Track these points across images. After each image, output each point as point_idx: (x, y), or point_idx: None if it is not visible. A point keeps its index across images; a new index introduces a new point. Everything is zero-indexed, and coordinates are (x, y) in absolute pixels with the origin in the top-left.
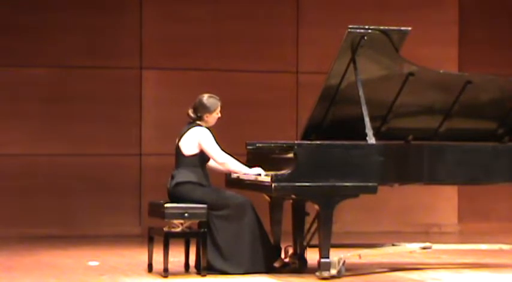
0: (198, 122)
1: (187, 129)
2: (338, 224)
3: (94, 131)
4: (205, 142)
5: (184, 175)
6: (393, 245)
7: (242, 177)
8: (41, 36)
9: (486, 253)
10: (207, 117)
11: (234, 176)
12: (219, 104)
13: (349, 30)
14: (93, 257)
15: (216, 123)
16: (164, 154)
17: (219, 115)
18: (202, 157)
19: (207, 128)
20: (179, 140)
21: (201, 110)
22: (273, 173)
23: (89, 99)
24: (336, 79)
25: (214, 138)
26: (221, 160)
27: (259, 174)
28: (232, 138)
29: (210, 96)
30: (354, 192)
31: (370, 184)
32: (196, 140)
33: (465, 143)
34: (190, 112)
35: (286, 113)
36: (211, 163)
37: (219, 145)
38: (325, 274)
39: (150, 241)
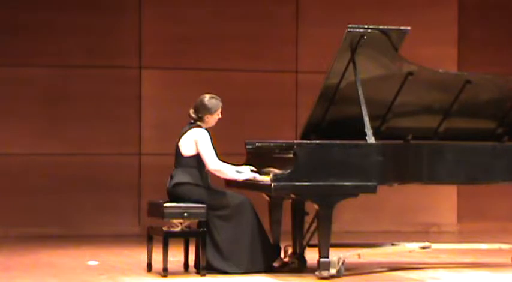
0: (198, 123)
1: (187, 130)
2: (337, 224)
3: (93, 130)
4: (202, 145)
5: (183, 176)
6: (392, 244)
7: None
8: (41, 36)
9: (485, 252)
10: (207, 118)
11: None
12: (220, 105)
13: (348, 29)
14: (92, 257)
15: (215, 122)
16: (163, 154)
17: (220, 116)
18: (200, 158)
19: (207, 129)
20: (179, 140)
21: (202, 111)
22: (272, 172)
23: (88, 99)
24: (335, 79)
25: (212, 142)
26: (214, 168)
27: (254, 177)
28: (231, 137)
29: (211, 97)
30: (353, 192)
31: (369, 184)
32: (194, 141)
33: (464, 143)
34: (191, 112)
35: (285, 113)
36: None
37: (215, 151)
38: (325, 274)
39: (150, 241)
